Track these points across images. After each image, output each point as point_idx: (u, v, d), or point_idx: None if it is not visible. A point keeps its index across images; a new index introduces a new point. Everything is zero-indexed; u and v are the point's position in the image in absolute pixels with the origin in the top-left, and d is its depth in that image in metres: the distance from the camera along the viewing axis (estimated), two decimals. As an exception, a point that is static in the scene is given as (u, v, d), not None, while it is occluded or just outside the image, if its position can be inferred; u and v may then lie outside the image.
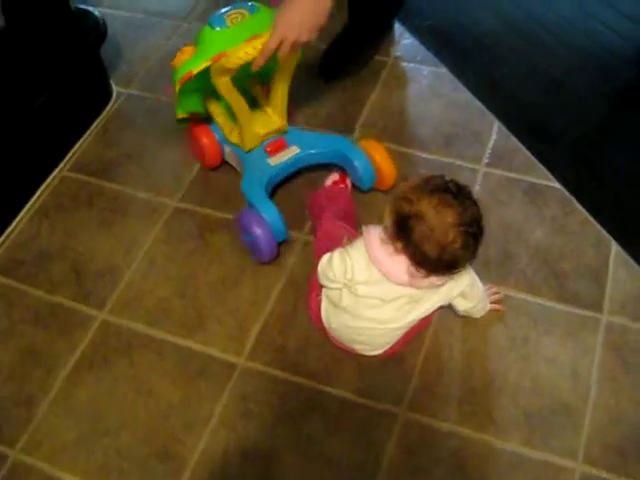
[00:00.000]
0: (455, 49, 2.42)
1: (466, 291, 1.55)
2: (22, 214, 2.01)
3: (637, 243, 1.85)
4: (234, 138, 1.94)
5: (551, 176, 1.99)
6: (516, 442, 1.53)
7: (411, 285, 1.43)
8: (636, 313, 1.71)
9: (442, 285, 1.47)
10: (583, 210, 1.92)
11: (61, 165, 2.13)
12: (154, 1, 2.66)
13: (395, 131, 2.14)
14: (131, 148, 2.16)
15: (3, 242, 1.96)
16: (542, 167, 2.02)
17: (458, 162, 2.04)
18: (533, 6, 2.54)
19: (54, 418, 1.63)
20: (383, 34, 2.44)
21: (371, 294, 1.49)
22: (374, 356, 1.64)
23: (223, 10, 1.76)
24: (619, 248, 1.83)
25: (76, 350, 1.73)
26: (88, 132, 2.21)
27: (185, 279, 1.84)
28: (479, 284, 1.59)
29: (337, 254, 1.51)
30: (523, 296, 1.75)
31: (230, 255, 1.87)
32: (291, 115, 2.05)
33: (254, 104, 1.97)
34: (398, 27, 2.48)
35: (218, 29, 1.73)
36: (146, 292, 1.82)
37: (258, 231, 1.76)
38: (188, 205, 2.00)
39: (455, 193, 1.35)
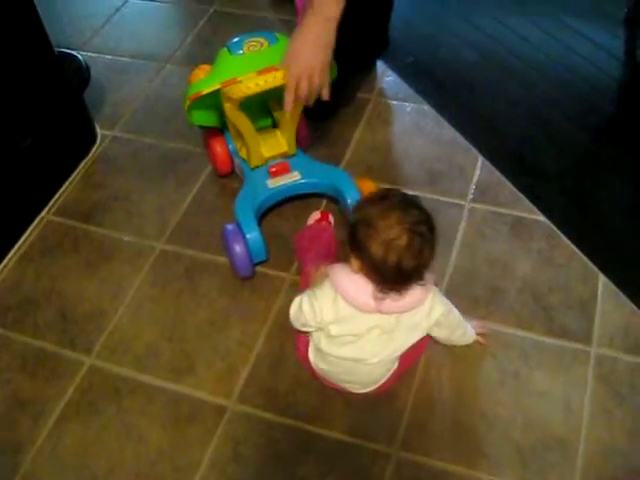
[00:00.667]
0: (437, 85, 2.44)
1: (441, 320, 1.54)
2: (7, 259, 2.00)
3: (624, 275, 1.85)
4: (243, 153, 1.98)
5: (536, 209, 2.00)
6: (510, 479, 1.52)
7: (379, 311, 1.42)
8: (625, 345, 1.72)
9: (412, 312, 1.46)
10: (569, 242, 1.92)
11: (46, 209, 2.12)
12: (137, 44, 2.68)
13: (380, 168, 2.15)
14: (116, 191, 2.16)
15: (-12, 288, 1.94)
16: (527, 200, 2.03)
17: (443, 198, 2.05)
18: (513, 41, 2.57)
19: (41, 466, 1.60)
20: (366, 72, 2.47)
21: (343, 332, 1.49)
22: (366, 393, 1.63)
23: (244, 36, 1.80)
24: (606, 280, 1.84)
25: (63, 397, 1.71)
26: (73, 175, 2.21)
27: (173, 322, 1.83)
28: (455, 312, 1.59)
29: (305, 299, 1.51)
30: (512, 331, 1.75)
31: (218, 297, 1.86)
32: (305, 139, 2.09)
33: (274, 124, 2.03)
34: (380, 65, 2.51)
35: (234, 54, 1.77)
36: (134, 336, 1.81)
37: (237, 248, 1.81)
38: (174, 247, 1.99)
39: (400, 200, 1.38)
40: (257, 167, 1.97)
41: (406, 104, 2.36)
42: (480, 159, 2.15)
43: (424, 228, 1.35)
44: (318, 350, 1.57)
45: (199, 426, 1.64)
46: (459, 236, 1.95)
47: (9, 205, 2.02)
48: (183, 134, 2.29)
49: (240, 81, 1.71)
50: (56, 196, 2.15)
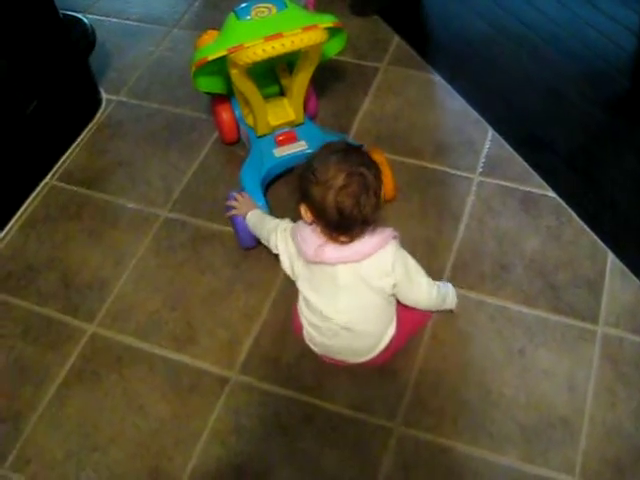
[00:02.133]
0: (448, 56, 2.41)
1: (399, 281, 1.49)
2: (10, 225, 1.99)
3: (633, 253, 1.83)
4: (249, 120, 1.95)
5: (546, 185, 1.98)
6: (513, 457, 1.52)
7: (322, 260, 1.44)
8: (632, 325, 1.70)
9: (366, 266, 1.45)
10: (578, 219, 1.90)
11: (50, 175, 2.10)
12: (144, 8, 2.64)
13: (388, 139, 2.12)
14: (121, 157, 2.13)
15: (-9, 253, 1.93)
16: (537, 176, 2.00)
17: (452, 171, 2.02)
18: (526, 12, 2.53)
19: (43, 433, 1.60)
20: None
21: (305, 288, 1.53)
22: (368, 368, 1.62)
23: (252, 1, 1.77)
24: (615, 258, 1.82)
25: (65, 364, 1.71)
26: (77, 141, 2.19)
27: (176, 291, 1.82)
28: (421, 279, 1.54)
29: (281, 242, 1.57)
30: (519, 308, 1.73)
31: (222, 267, 1.85)
32: (314, 107, 2.08)
33: (282, 92, 2.00)
34: (389, 31, 2.47)
35: (242, 20, 1.74)
36: (136, 304, 1.80)
37: (240, 219, 1.79)
38: (179, 215, 1.97)
39: (343, 148, 1.41)
40: (264, 135, 1.94)
41: (416, 74, 2.32)
42: (490, 132, 2.12)
43: (363, 169, 1.37)
44: (305, 320, 1.59)
45: (201, 396, 1.63)
46: (467, 210, 1.92)
47: (13, 170, 2.00)
48: (190, 100, 2.26)
49: (247, 47, 1.68)
50: (60, 161, 2.13)
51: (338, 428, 1.57)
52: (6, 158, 1.96)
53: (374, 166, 1.40)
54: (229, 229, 1.90)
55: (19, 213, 2.01)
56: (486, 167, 2.03)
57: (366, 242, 1.43)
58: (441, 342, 1.68)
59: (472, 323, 1.71)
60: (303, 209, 1.44)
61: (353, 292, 1.48)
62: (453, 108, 2.21)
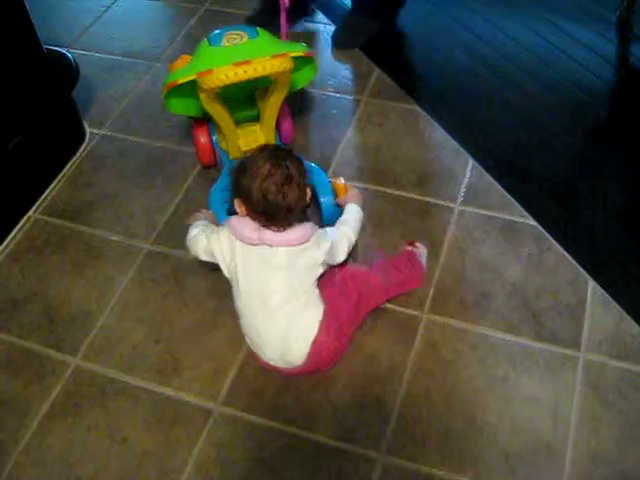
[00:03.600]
0: (428, 86, 2.44)
1: (330, 253, 1.64)
2: (-7, 258, 1.99)
3: (614, 279, 1.85)
4: (223, 144, 1.98)
5: (526, 213, 2.00)
6: (497, 485, 1.52)
7: (263, 242, 1.56)
8: (614, 350, 1.71)
9: (299, 249, 1.58)
10: (559, 247, 1.92)
11: (33, 208, 2.10)
12: (127, 42, 2.66)
13: (370, 170, 2.14)
14: (104, 190, 2.14)
15: (-26, 288, 1.93)
16: (517, 204, 2.02)
17: (433, 200, 2.04)
18: (505, 44, 2.57)
19: (25, 467, 1.59)
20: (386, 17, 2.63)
21: (239, 268, 1.61)
22: (348, 394, 1.64)
23: (225, 28, 1.83)
24: (596, 285, 1.83)
25: (48, 397, 1.70)
26: (61, 174, 2.19)
27: (159, 323, 1.81)
28: (342, 244, 1.68)
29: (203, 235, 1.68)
30: (501, 335, 1.74)
31: (205, 298, 1.85)
32: (289, 133, 2.10)
33: (259, 119, 2.02)
34: (370, 64, 2.50)
35: (213, 46, 1.79)
36: (120, 337, 1.79)
37: None
38: (161, 248, 1.98)
39: (272, 148, 1.60)
40: (236, 159, 1.95)
41: (397, 105, 2.35)
42: (471, 162, 2.14)
43: (288, 163, 1.54)
44: (245, 323, 1.66)
45: (184, 428, 1.62)
46: (448, 239, 1.94)
47: (-4, 204, 2.01)
48: (172, 133, 2.28)
49: (214, 72, 1.70)
50: (44, 195, 2.14)
51: (322, 459, 1.56)
52: (-11, 191, 1.97)
53: (299, 164, 1.57)
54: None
55: (2, 246, 2.01)
56: (467, 196, 2.05)
57: (299, 229, 1.57)
58: (424, 371, 1.69)
59: (454, 351, 1.71)
60: (237, 203, 1.58)
61: (286, 272, 1.58)
62: (434, 139, 2.24)
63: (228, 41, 1.78)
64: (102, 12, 2.83)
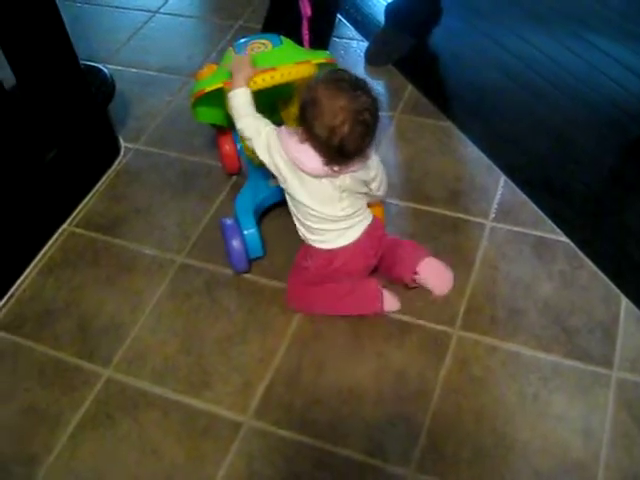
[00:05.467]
0: (460, 103, 2.44)
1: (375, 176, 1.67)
2: (28, 270, 2.01)
3: (647, 298, 1.83)
4: (248, 152, 1.96)
5: (558, 230, 1.98)
6: (528, 503, 1.50)
7: (331, 174, 1.56)
8: (647, 369, 1.69)
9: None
10: (592, 264, 1.90)
11: (68, 220, 2.13)
12: (162, 58, 2.70)
13: (402, 185, 2.14)
14: (138, 204, 2.17)
15: (9, 298, 1.95)
16: (549, 221, 2.01)
17: (465, 217, 2.04)
18: (537, 60, 2.56)
19: (57, 478, 1.60)
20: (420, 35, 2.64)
21: (309, 202, 1.64)
22: (378, 410, 1.64)
23: (250, 37, 1.85)
24: (629, 303, 1.81)
25: (80, 408, 1.71)
26: (96, 187, 2.22)
27: (191, 336, 1.83)
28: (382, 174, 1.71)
29: (263, 149, 1.65)
30: (532, 353, 1.73)
31: (236, 311, 1.86)
32: None
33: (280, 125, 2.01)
34: (403, 81, 2.51)
35: (239, 54, 1.81)
36: (152, 349, 1.81)
37: (233, 243, 1.86)
38: (194, 261, 1.99)
39: (352, 83, 1.49)
40: (261, 166, 1.96)
41: (429, 121, 2.35)
42: (503, 178, 2.14)
43: (367, 115, 1.47)
44: (306, 226, 1.70)
45: (214, 441, 1.63)
46: (480, 255, 1.93)
47: (32, 216, 2.04)
48: (205, 148, 2.30)
49: None
50: (79, 208, 2.17)
51: (352, 474, 1.56)
52: (26, 204, 2.00)
53: (376, 104, 1.50)
54: (244, 274, 1.93)
55: (38, 258, 2.04)
56: (499, 213, 2.04)
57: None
58: (454, 388, 1.68)
59: (485, 368, 1.71)
60: (302, 133, 1.53)
61: (351, 193, 1.63)
62: (466, 155, 2.24)
63: (253, 50, 1.81)
64: (139, 28, 2.88)
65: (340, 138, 1.47)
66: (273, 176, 1.75)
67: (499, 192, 2.10)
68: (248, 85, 1.69)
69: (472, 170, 2.18)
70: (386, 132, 2.31)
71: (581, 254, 1.93)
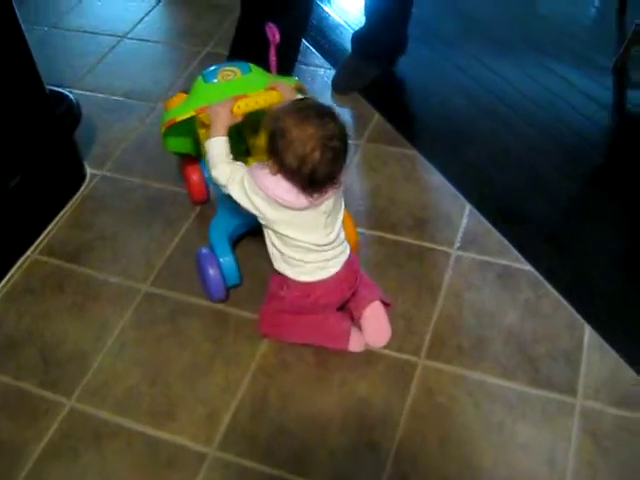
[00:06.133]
0: (426, 131, 2.46)
1: None
2: (-10, 298, 1.99)
3: (610, 326, 1.85)
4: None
5: (522, 259, 2.00)
6: (492, 534, 1.51)
7: (312, 204, 1.56)
8: (611, 397, 1.70)
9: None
10: (555, 292, 1.92)
11: (32, 248, 2.11)
12: (129, 83, 2.69)
13: (367, 214, 2.15)
14: (103, 231, 2.15)
15: (-30, 327, 1.93)
16: (514, 250, 2.03)
17: (430, 245, 2.05)
18: (502, 88, 2.60)
19: (18, 512, 1.58)
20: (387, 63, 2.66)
21: (295, 235, 1.63)
22: (343, 439, 1.63)
23: (218, 65, 1.86)
24: (592, 331, 1.83)
25: (43, 439, 1.69)
26: (60, 214, 2.20)
27: (156, 365, 1.81)
28: None
29: (241, 192, 1.60)
30: (497, 381, 1.74)
31: (202, 341, 1.85)
32: None
33: (248, 152, 2.03)
34: (369, 109, 2.53)
35: (209, 83, 1.82)
36: (116, 379, 1.79)
37: (210, 272, 1.86)
38: (159, 290, 1.98)
39: (318, 111, 1.50)
40: None
41: (394, 149, 2.37)
42: (468, 207, 2.16)
43: (336, 142, 1.48)
44: (286, 258, 1.68)
45: (179, 472, 1.61)
46: (445, 284, 1.95)
47: (-5, 243, 2.02)
48: (171, 175, 2.30)
49: None
50: (43, 235, 2.14)
51: (317, 505, 1.56)
52: (-12, 231, 1.98)
53: (344, 130, 1.52)
54: (209, 304, 1.92)
55: (0, 286, 2.01)
56: (464, 242, 2.06)
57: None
58: (420, 416, 1.68)
59: (450, 397, 1.71)
60: (273, 165, 1.52)
61: (334, 213, 1.65)
62: (431, 183, 2.25)
63: (223, 78, 1.82)
64: (106, 53, 2.87)
65: (311, 166, 1.47)
66: None
67: (464, 221, 2.12)
68: (232, 109, 1.68)
69: (437, 198, 2.20)
70: (352, 160, 2.32)
71: (545, 283, 1.95)
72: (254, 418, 1.69)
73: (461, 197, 2.19)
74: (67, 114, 2.20)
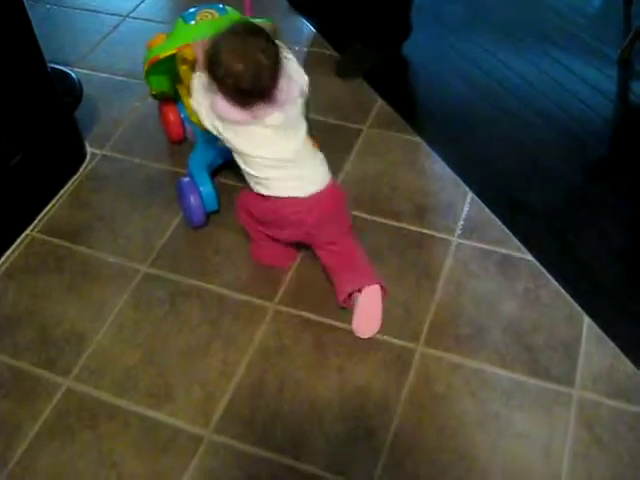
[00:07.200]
0: (429, 118, 2.45)
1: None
2: (-11, 276, 1.98)
3: (609, 317, 1.84)
4: (194, 118, 2.00)
5: (524, 248, 2.00)
6: (487, 522, 1.51)
7: (255, 118, 1.64)
8: (608, 389, 1.70)
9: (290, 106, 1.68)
10: (555, 283, 1.92)
11: (31, 226, 2.10)
12: (131, 63, 2.66)
13: (369, 200, 2.14)
14: (103, 211, 2.14)
15: (-33, 304, 1.92)
16: (515, 239, 2.02)
17: (431, 232, 2.04)
18: (506, 76, 2.59)
19: (12, 491, 1.58)
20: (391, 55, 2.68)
21: (248, 150, 1.71)
22: (339, 425, 1.64)
23: (196, 7, 2.00)
24: (591, 322, 1.83)
25: (39, 418, 1.68)
26: (60, 193, 2.19)
27: (153, 346, 1.81)
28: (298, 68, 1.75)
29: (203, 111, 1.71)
30: (495, 370, 1.74)
31: (200, 323, 1.85)
32: None
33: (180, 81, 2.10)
34: (372, 95, 2.52)
35: (188, 23, 1.96)
36: (113, 359, 1.79)
37: (191, 199, 2.00)
38: (158, 271, 1.97)
39: (247, 31, 1.60)
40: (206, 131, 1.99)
41: (398, 136, 2.36)
42: (469, 195, 2.15)
43: (260, 55, 1.57)
44: (253, 178, 1.74)
45: (175, 455, 1.61)
46: (445, 272, 1.94)
47: (-6, 221, 2.01)
48: (171, 155, 2.30)
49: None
50: (42, 214, 2.14)
51: (312, 490, 1.56)
52: (-13, 209, 1.97)
53: (273, 49, 1.60)
54: (208, 286, 1.92)
55: (-1, 264, 2.01)
56: (465, 230, 2.05)
57: (280, 91, 1.64)
58: (417, 404, 1.68)
59: (448, 386, 1.71)
60: (214, 84, 1.63)
61: (288, 129, 1.70)
62: (433, 170, 2.25)
63: (201, 19, 1.95)
64: (109, 32, 2.85)
65: (234, 77, 1.56)
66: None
67: (466, 208, 2.11)
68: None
69: (440, 186, 2.19)
70: (355, 145, 2.32)
71: (545, 272, 1.94)
72: (251, 402, 1.69)
73: (463, 185, 2.18)
74: (68, 93, 2.19)
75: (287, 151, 1.71)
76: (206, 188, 2.02)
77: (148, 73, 2.03)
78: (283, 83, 1.64)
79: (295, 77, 1.70)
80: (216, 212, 2.06)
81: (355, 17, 2.62)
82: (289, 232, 1.82)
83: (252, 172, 1.73)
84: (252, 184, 1.76)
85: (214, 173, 2.13)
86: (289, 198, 1.72)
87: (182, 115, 2.21)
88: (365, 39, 2.62)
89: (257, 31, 1.61)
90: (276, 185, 1.72)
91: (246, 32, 1.60)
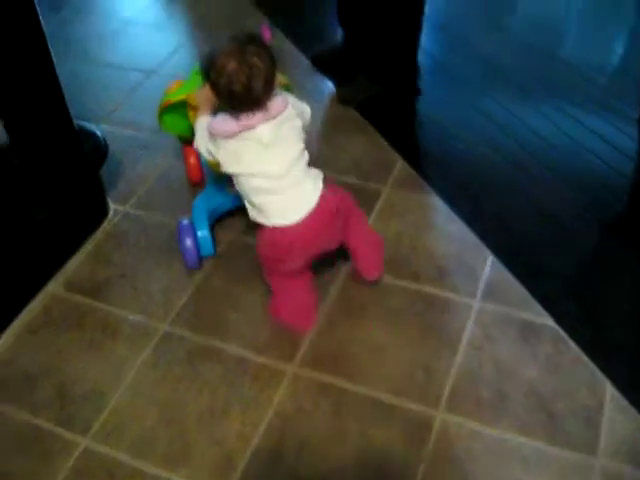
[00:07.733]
0: (449, 179, 2.45)
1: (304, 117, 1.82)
2: (9, 330, 1.99)
3: (632, 384, 1.82)
4: (210, 162, 2.03)
5: (545, 312, 1.98)
6: None
7: (245, 127, 1.67)
8: (632, 458, 1.67)
9: (279, 121, 1.71)
10: (577, 348, 1.90)
11: (52, 281, 2.12)
12: (156, 119, 2.70)
13: (389, 261, 2.12)
14: (124, 268, 2.16)
15: (-13, 360, 1.93)
16: (536, 303, 2.01)
17: (451, 296, 2.03)
18: (525, 137, 2.60)
19: None
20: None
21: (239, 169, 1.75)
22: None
23: None
24: (614, 389, 1.80)
25: (56, 478, 1.67)
26: (82, 249, 2.21)
27: (172, 407, 1.80)
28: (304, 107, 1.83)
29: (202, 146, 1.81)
30: (515, 437, 1.71)
31: (219, 384, 1.84)
32: None
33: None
34: (393, 155, 2.53)
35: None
36: (132, 419, 1.78)
37: (186, 242, 2.07)
38: (178, 330, 1.98)
39: (243, 39, 1.65)
40: (220, 174, 2.00)
41: (418, 197, 2.37)
42: (490, 257, 2.14)
43: (254, 59, 1.62)
44: (254, 207, 1.79)
45: (192, 519, 1.60)
46: (466, 336, 1.93)
47: (15, 275, 2.03)
48: (193, 213, 2.31)
49: None
50: (63, 269, 2.15)
51: None
52: (10, 263, 1.99)
53: (268, 54, 1.65)
54: (227, 345, 1.92)
55: (19, 318, 2.02)
56: (485, 293, 2.04)
57: (273, 103, 1.69)
58: (437, 471, 1.66)
59: (468, 452, 1.69)
60: (208, 90, 1.71)
61: (278, 146, 1.72)
62: (453, 232, 2.24)
63: None
64: (133, 88, 2.90)
65: (227, 77, 1.61)
66: (230, 183, 1.86)
67: (486, 271, 2.10)
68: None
69: (460, 248, 2.19)
70: (375, 205, 2.33)
71: (566, 337, 1.92)
72: (269, 465, 1.68)
73: (483, 247, 2.18)
74: (94, 151, 2.22)
75: (276, 167, 1.73)
76: (202, 232, 2.07)
77: (161, 115, 2.12)
78: (277, 98, 1.69)
79: (293, 103, 1.76)
80: (212, 256, 2.13)
81: (362, 53, 2.73)
82: (303, 257, 1.84)
83: (250, 198, 1.77)
84: (254, 215, 1.80)
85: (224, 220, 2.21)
86: (288, 227, 1.76)
87: (202, 159, 2.23)
88: (370, 74, 2.74)
89: (255, 39, 1.67)
90: (273, 210, 1.76)
91: (245, 39, 1.66)
